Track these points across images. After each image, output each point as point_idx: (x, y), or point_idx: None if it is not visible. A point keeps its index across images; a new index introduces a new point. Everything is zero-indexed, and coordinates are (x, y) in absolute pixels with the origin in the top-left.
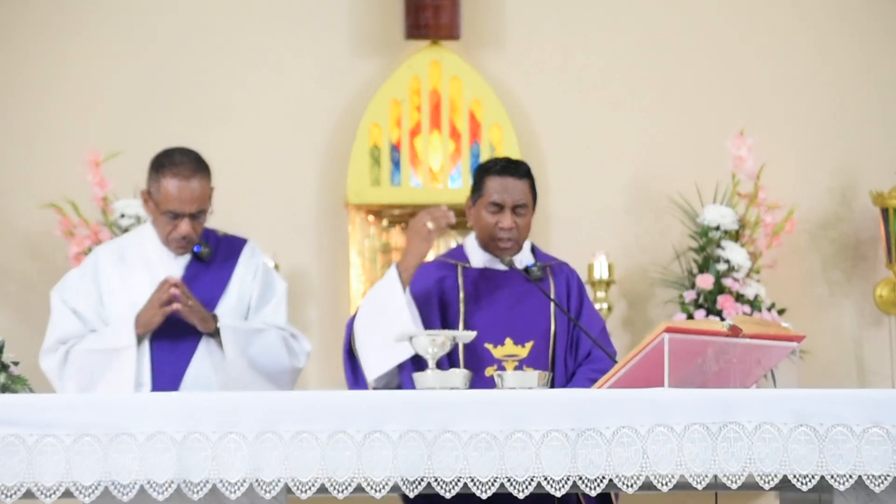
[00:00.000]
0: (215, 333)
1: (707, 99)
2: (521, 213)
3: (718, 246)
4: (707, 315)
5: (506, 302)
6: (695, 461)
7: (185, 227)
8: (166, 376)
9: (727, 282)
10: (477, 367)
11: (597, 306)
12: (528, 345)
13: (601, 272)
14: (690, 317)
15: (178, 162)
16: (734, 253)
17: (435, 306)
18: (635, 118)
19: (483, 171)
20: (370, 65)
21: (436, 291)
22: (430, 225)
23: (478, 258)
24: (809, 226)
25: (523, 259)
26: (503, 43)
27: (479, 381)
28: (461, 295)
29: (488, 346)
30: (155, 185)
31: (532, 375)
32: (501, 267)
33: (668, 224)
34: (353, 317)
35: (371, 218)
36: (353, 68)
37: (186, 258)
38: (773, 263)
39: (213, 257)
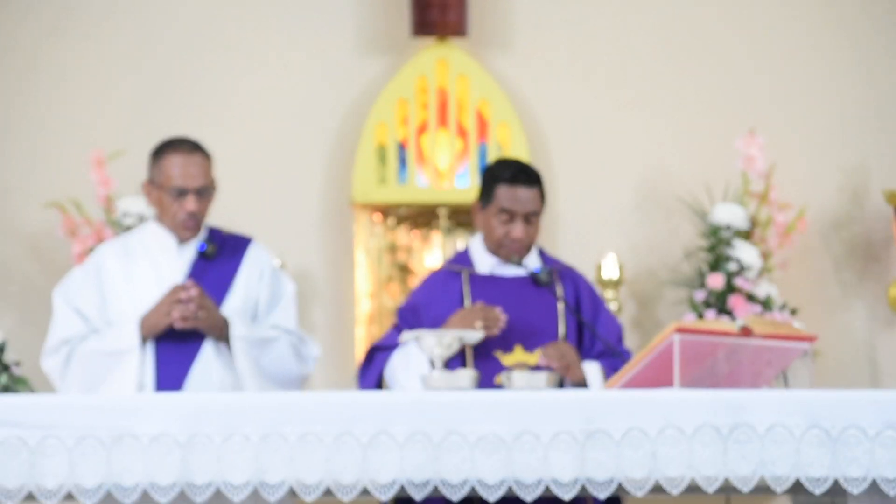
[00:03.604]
0: (224, 338)
1: (716, 99)
2: (531, 221)
3: (729, 245)
4: (718, 315)
5: (514, 309)
6: (705, 464)
7: (191, 203)
8: (170, 377)
9: (738, 282)
10: (487, 375)
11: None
12: (539, 351)
13: (610, 272)
14: (701, 317)
15: (178, 141)
16: (745, 252)
17: (442, 316)
18: (644, 117)
19: (493, 178)
20: (376, 63)
21: (442, 301)
22: (478, 325)
23: (484, 263)
24: (821, 226)
25: (530, 263)
26: (511, 41)
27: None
28: (468, 304)
29: (497, 353)
30: (157, 168)
31: (541, 377)
32: (508, 273)
33: (677, 224)
34: (374, 358)
35: (377, 217)
36: (358, 66)
37: (191, 256)
38: (784, 263)
39: (218, 256)
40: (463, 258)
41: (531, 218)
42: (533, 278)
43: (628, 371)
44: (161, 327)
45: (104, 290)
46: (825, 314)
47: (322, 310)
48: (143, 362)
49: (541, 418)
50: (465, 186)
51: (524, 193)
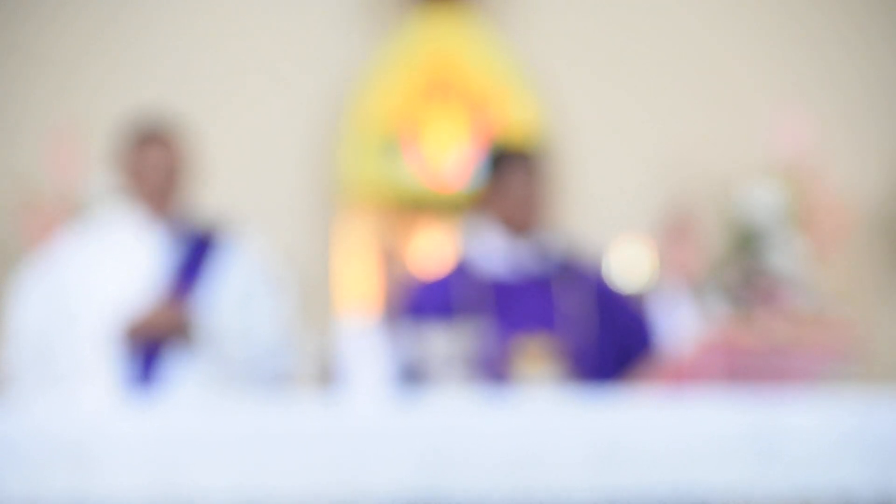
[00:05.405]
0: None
1: (748, 76)
2: (539, 200)
3: (761, 234)
4: (750, 308)
5: (524, 311)
6: (738, 481)
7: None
8: (144, 377)
9: (770, 272)
10: (501, 380)
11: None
12: (555, 350)
13: (630, 255)
14: (730, 309)
15: (145, 122)
16: (779, 241)
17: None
18: (668, 96)
19: (498, 162)
20: (367, 32)
21: (447, 310)
22: None
23: (489, 264)
24: (867, 213)
25: (545, 254)
26: (523, 9)
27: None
28: (475, 310)
29: (511, 356)
30: (125, 146)
31: (549, 371)
32: (514, 276)
33: (704, 207)
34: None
35: (366, 205)
36: (348, 36)
37: (170, 244)
38: (826, 253)
39: (201, 244)
40: (466, 263)
41: (538, 196)
42: (543, 275)
43: (657, 378)
44: (143, 340)
45: (67, 278)
46: (870, 308)
47: (305, 300)
48: (115, 361)
49: (557, 435)
50: (464, 172)
51: (530, 175)
